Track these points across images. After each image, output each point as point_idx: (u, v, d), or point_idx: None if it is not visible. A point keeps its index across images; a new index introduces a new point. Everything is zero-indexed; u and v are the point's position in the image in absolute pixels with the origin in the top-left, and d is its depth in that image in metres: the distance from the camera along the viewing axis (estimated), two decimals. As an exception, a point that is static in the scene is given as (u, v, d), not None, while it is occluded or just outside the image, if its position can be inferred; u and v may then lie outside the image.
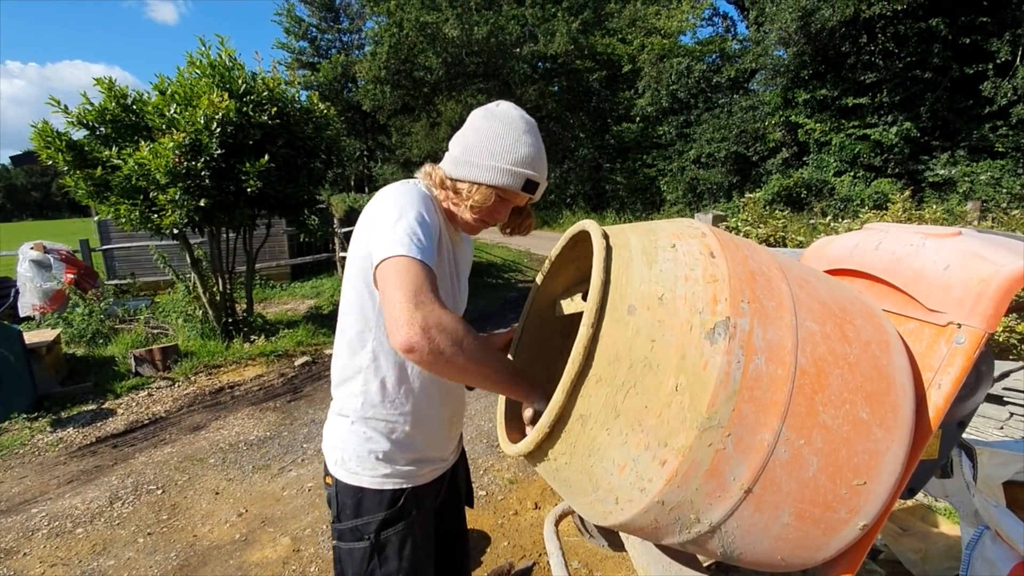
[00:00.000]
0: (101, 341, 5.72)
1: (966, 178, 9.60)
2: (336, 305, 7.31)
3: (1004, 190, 9.11)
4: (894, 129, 10.51)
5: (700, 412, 0.72)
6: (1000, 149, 9.83)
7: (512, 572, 2.20)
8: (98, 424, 4.05)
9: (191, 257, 5.47)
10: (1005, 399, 2.33)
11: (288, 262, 10.07)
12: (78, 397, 4.51)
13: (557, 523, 1.32)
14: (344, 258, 9.99)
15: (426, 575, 1.16)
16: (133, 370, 4.94)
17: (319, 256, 10.30)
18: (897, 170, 10.74)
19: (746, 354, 0.73)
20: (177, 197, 4.53)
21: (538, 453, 0.85)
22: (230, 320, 5.83)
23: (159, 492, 3.08)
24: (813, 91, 11.75)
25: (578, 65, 17.89)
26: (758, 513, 0.77)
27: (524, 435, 0.89)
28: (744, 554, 0.84)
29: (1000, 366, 2.76)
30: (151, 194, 4.71)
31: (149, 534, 2.69)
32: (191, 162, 4.54)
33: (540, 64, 19.54)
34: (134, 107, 4.91)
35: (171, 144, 4.42)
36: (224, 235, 5.74)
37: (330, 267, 10.53)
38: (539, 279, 1.18)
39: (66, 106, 4.68)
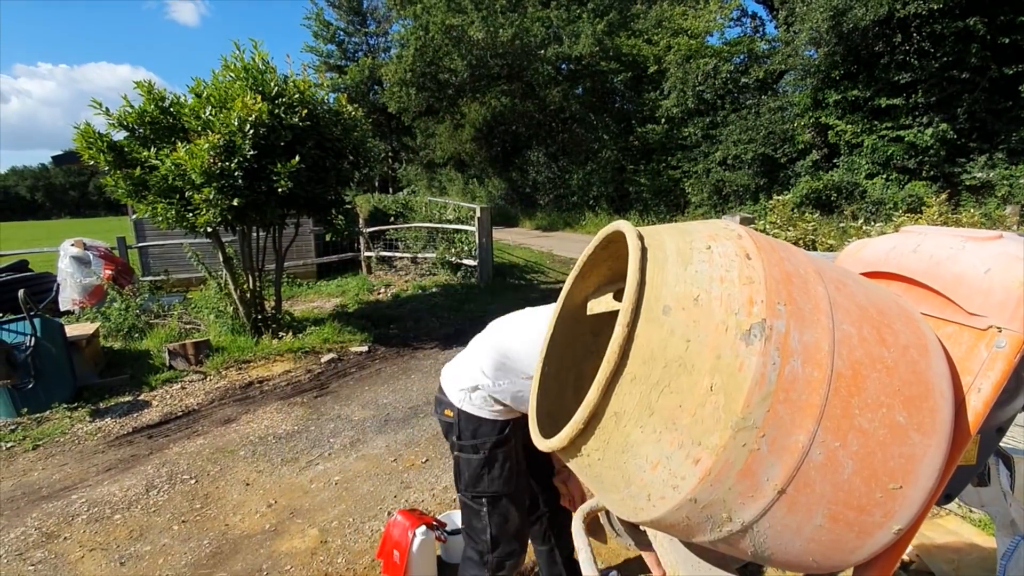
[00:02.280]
0: (137, 335, 5.93)
1: (1005, 181, 9.27)
2: (361, 303, 7.42)
3: (1047, 194, 8.78)
4: (929, 131, 10.21)
5: (735, 412, 0.72)
6: (1042, 151, 9.48)
7: (534, 571, 2.21)
8: (134, 415, 4.20)
9: (223, 255, 5.63)
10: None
11: (315, 261, 10.27)
12: (115, 389, 4.68)
13: (585, 521, 1.33)
14: (369, 256, 10.14)
15: (518, 482, 1.60)
16: (167, 363, 5.11)
17: (344, 255, 10.48)
18: (932, 172, 10.43)
19: (782, 356, 0.73)
20: (211, 196, 4.67)
21: (571, 448, 0.87)
22: (259, 317, 5.98)
23: (192, 482, 3.18)
24: (844, 92, 11.49)
25: (603, 66, 17.80)
26: (791, 514, 0.77)
27: (557, 430, 0.91)
28: (775, 554, 0.84)
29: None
30: (186, 193, 4.86)
31: (183, 522, 2.78)
32: (225, 163, 4.68)
33: (564, 65, 19.50)
34: (171, 109, 5.08)
35: (206, 145, 4.56)
36: (254, 234, 5.89)
37: (355, 266, 10.70)
38: (571, 278, 1.20)
39: (107, 108, 4.87)
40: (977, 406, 0.83)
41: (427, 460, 3.32)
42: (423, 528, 2.14)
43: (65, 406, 4.25)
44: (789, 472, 0.74)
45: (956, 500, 2.16)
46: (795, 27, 12.04)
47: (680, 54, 15.16)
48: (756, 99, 14.23)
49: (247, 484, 3.13)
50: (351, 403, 4.32)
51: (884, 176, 10.80)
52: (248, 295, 5.91)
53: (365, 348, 5.76)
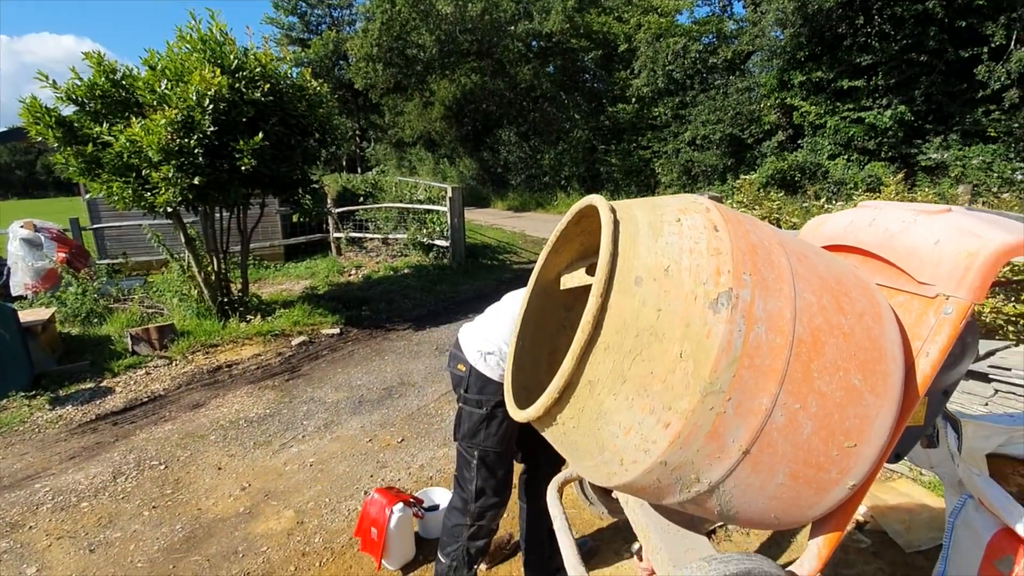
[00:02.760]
0: (95, 320, 5.71)
1: (958, 162, 9.66)
2: (331, 285, 7.31)
3: (995, 174, 9.18)
4: (888, 112, 10.52)
5: (703, 378, 0.76)
6: (992, 134, 9.88)
7: (509, 542, 2.27)
8: (97, 402, 4.07)
9: (185, 236, 5.44)
10: (990, 376, 2.41)
11: (282, 242, 10.02)
12: (75, 375, 4.52)
13: (560, 490, 1.37)
14: (338, 238, 9.96)
15: (510, 443, 1.72)
16: (130, 349, 4.95)
17: (313, 236, 10.25)
18: (890, 154, 10.78)
19: (747, 323, 0.77)
20: (171, 175, 4.49)
21: (547, 418, 0.89)
22: (225, 300, 5.83)
23: (162, 467, 3.12)
24: (809, 73, 11.70)
25: (573, 44, 17.64)
26: (755, 473, 0.82)
27: (532, 403, 0.93)
28: (740, 513, 0.89)
29: (986, 345, 2.84)
30: (143, 172, 4.66)
31: (154, 507, 2.74)
32: (183, 139, 4.49)
33: (535, 43, 19.25)
34: (123, 82, 4.83)
35: (163, 121, 4.37)
36: (217, 214, 5.71)
37: (324, 247, 10.49)
38: (544, 254, 1.21)
39: (54, 81, 4.60)
40: (925, 369, 0.88)
41: (403, 440, 3.33)
42: (400, 505, 2.16)
43: (23, 394, 4.10)
44: (753, 433, 0.78)
45: (908, 463, 2.28)
46: (762, 7, 12.15)
47: (650, 32, 15.14)
48: (724, 79, 14.37)
49: (219, 468, 3.09)
50: (324, 385, 4.28)
51: (845, 157, 11.11)
52: (213, 278, 5.74)
53: (337, 330, 5.70)
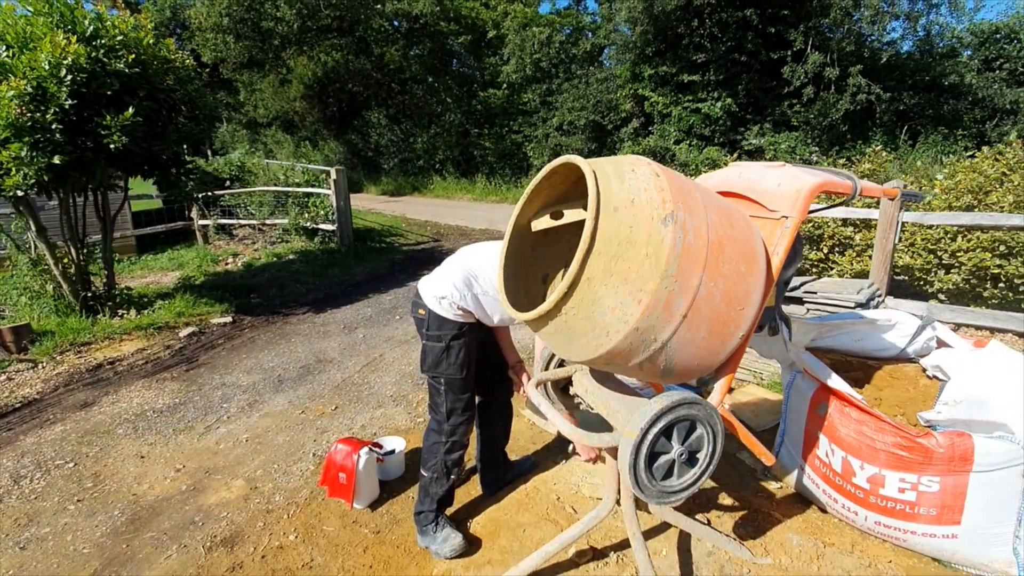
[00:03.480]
0: (-89, 329, 4.81)
1: (771, 146, 11.69)
2: (208, 275, 6.86)
3: (798, 156, 11.32)
4: (719, 104, 12.32)
5: (661, 268, 1.18)
6: (795, 123, 12.09)
7: (466, 467, 2.61)
8: (-49, 414, 3.57)
9: (37, 224, 4.80)
10: (804, 300, 3.27)
11: (133, 233, 9.01)
12: (-93, 390, 3.86)
13: (536, 387, 1.76)
14: (205, 225, 9.21)
15: (468, 370, 2.01)
16: (-23, 355, 4.31)
17: (173, 224, 9.34)
18: (721, 140, 12.66)
19: (683, 233, 1.21)
20: (23, 153, 3.98)
21: (553, 311, 1.26)
22: (89, 294, 5.25)
23: (71, 465, 2.93)
24: (656, 67, 13.19)
25: (442, 27, 17.73)
26: (689, 331, 1.27)
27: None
28: (678, 364, 1.35)
29: (799, 281, 3.77)
30: (-17, 150, 4.05)
31: (79, 500, 2.61)
32: (36, 113, 4.01)
33: (398, 23, 18.94)
34: (-53, 46, 4.13)
35: (11, 92, 3.86)
36: (72, 200, 5.10)
37: (186, 237, 9.62)
38: (518, 206, 1.57)
39: None
40: (775, 263, 1.41)
41: (336, 407, 3.47)
42: (366, 449, 2.39)
43: None
44: (689, 303, 1.23)
45: (752, 371, 2.93)
46: (615, 5, 13.36)
47: (517, 21, 15.79)
48: (585, 70, 15.54)
49: (142, 457, 2.99)
50: (233, 371, 4.18)
51: (688, 142, 12.80)
52: (73, 270, 5.14)
53: (229, 319, 5.45)
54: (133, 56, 4.51)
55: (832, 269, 4.45)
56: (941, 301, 3.83)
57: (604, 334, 1.25)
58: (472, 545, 2.08)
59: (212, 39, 16.12)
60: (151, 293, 6.06)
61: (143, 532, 2.37)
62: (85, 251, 5.37)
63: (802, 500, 2.25)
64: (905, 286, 4.18)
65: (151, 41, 4.91)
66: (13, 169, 4.04)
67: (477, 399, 2.31)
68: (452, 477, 2.07)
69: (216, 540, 2.27)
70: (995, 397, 1.82)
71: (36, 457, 3.02)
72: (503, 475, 2.45)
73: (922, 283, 4.08)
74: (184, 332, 5.08)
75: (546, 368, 1.87)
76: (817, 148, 11.23)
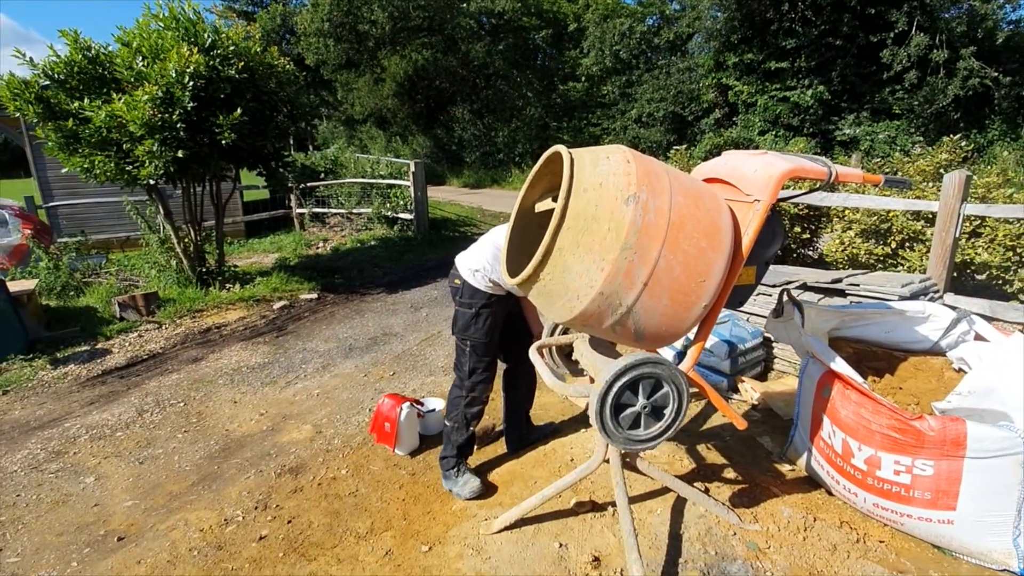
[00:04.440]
0: (72, 293, 5.90)
1: (867, 136, 10.88)
2: (301, 257, 7.65)
3: (898, 148, 10.43)
4: (810, 92, 11.63)
5: (620, 241, 1.38)
6: (897, 111, 11.14)
7: (494, 429, 2.91)
8: (98, 361, 4.40)
9: (165, 209, 5.69)
10: (846, 292, 3.22)
11: (243, 219, 10.17)
12: (67, 341, 4.79)
13: (537, 351, 2.00)
14: (301, 214, 10.17)
15: (492, 337, 2.29)
16: (118, 316, 5.23)
17: (276, 212, 10.43)
18: (811, 130, 11.94)
19: (644, 212, 1.40)
20: (154, 148, 4.77)
21: (533, 276, 1.50)
22: (204, 270, 6.12)
23: (181, 405, 3.57)
24: (741, 55, 12.67)
25: (524, 22, 18.04)
26: (651, 298, 1.46)
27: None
28: (647, 328, 1.53)
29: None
30: (124, 146, 4.90)
31: (185, 432, 3.21)
32: (165, 114, 4.77)
33: (485, 20, 19.48)
34: (100, 59, 5.02)
35: (145, 97, 4.63)
36: (192, 188, 5.97)
37: (286, 224, 10.69)
38: (522, 190, 1.81)
39: (31, 58, 4.75)
40: (745, 243, 1.55)
41: (394, 373, 3.90)
42: (408, 404, 2.75)
43: (21, 358, 4.37)
44: (649, 272, 1.42)
45: (774, 341, 2.95)
46: (701, -9, 12.99)
47: (598, 13, 15.74)
48: (667, 60, 15.21)
49: (235, 402, 3.57)
50: (313, 339, 4.76)
51: (773, 133, 12.21)
52: (191, 249, 6.02)
53: (315, 295, 6.12)
54: (243, 63, 5.21)
55: (901, 265, 4.24)
56: (1022, 301, 3.57)
57: (575, 297, 1.48)
58: (488, 489, 2.37)
59: (315, 43, 17.55)
60: (253, 271, 6.91)
61: (231, 458, 2.89)
62: (202, 233, 6.26)
63: (810, 482, 2.31)
64: (981, 285, 3.90)
65: (258, 49, 5.63)
66: (147, 161, 4.85)
67: (503, 365, 2.59)
68: (471, 428, 2.36)
69: (285, 469, 2.73)
70: (1002, 387, 1.80)
71: (156, 397, 3.70)
72: (525, 436, 2.71)
73: (1001, 282, 3.80)
74: (277, 305, 5.80)
75: (552, 334, 2.11)
76: (922, 138, 10.29)
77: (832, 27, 11.05)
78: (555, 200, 1.80)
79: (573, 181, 1.42)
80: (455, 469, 2.38)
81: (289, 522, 2.32)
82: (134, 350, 4.63)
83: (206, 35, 5.14)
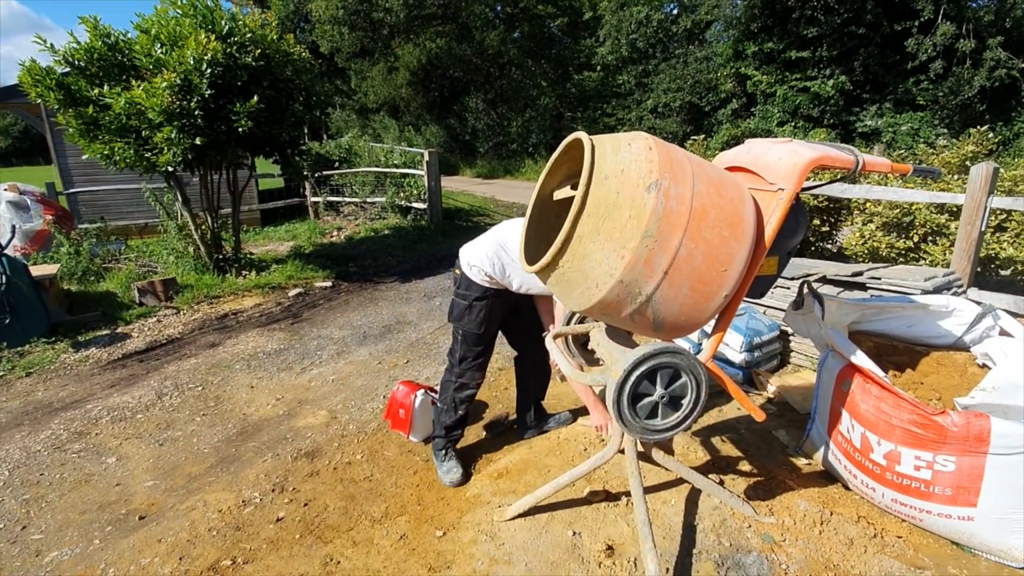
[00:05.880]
0: (92, 278, 6.01)
1: (890, 128, 10.65)
2: (316, 245, 7.70)
3: (921, 140, 10.19)
4: (831, 82, 11.39)
5: (641, 228, 1.37)
6: (921, 102, 10.88)
7: (507, 418, 2.92)
8: (118, 344, 4.49)
9: (183, 196, 5.76)
10: (867, 285, 3.16)
11: (258, 207, 10.25)
12: (89, 325, 4.88)
13: (554, 340, 1.99)
14: (316, 202, 10.22)
15: (487, 328, 2.33)
16: (137, 300, 5.32)
17: (291, 201, 10.50)
18: (832, 121, 11.71)
19: (665, 199, 1.38)
20: (173, 135, 4.81)
21: (552, 264, 1.49)
22: (220, 256, 6.20)
23: (199, 389, 3.63)
24: (761, 44, 12.42)
25: (539, 11, 17.86)
26: (671, 287, 1.44)
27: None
28: (666, 318, 1.52)
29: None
30: (143, 133, 4.95)
31: (204, 415, 3.26)
32: (183, 101, 4.81)
33: (500, 8, 19.31)
34: (118, 46, 5.06)
35: (164, 84, 4.67)
36: (209, 176, 6.02)
37: (301, 212, 10.76)
38: (542, 176, 1.79)
39: (52, 44, 4.80)
40: (768, 231, 1.52)
41: (408, 361, 3.92)
42: (422, 391, 2.76)
43: (44, 340, 4.46)
44: (669, 261, 1.40)
45: (793, 336, 2.90)
46: (721, -22, 12.73)
47: (615, 1, 15.52)
48: (684, 49, 14.98)
49: (251, 387, 3.62)
50: (328, 326, 4.80)
51: (793, 124, 11.99)
52: (208, 236, 6.09)
53: (329, 283, 6.17)
54: (259, 51, 5.22)
55: (923, 259, 4.16)
56: (1049, 298, 3.48)
57: (595, 285, 1.46)
58: (469, 479, 2.45)
59: (329, 31, 17.54)
60: (269, 259, 6.98)
61: (248, 441, 2.93)
62: (219, 220, 6.32)
63: (827, 476, 2.29)
64: (1005, 281, 3.82)
65: (275, 37, 5.63)
66: (165, 148, 4.89)
67: (514, 353, 2.61)
68: (459, 411, 2.43)
69: (301, 452, 2.77)
70: (1029, 383, 1.76)
71: (175, 381, 3.76)
72: (538, 425, 2.72)
73: (1027, 278, 3.71)
74: (293, 292, 5.85)
75: (568, 323, 2.10)
76: (946, 130, 10.05)
77: (855, 15, 10.79)
78: (574, 188, 1.78)
79: (594, 168, 1.41)
80: (443, 451, 2.48)
81: (305, 505, 2.36)
82: (153, 335, 4.70)
83: (223, 22, 5.15)
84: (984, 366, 2.20)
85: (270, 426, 3.09)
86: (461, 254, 2.35)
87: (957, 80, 10.02)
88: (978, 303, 2.29)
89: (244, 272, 6.20)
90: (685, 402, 1.56)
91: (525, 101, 19.76)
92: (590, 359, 2.17)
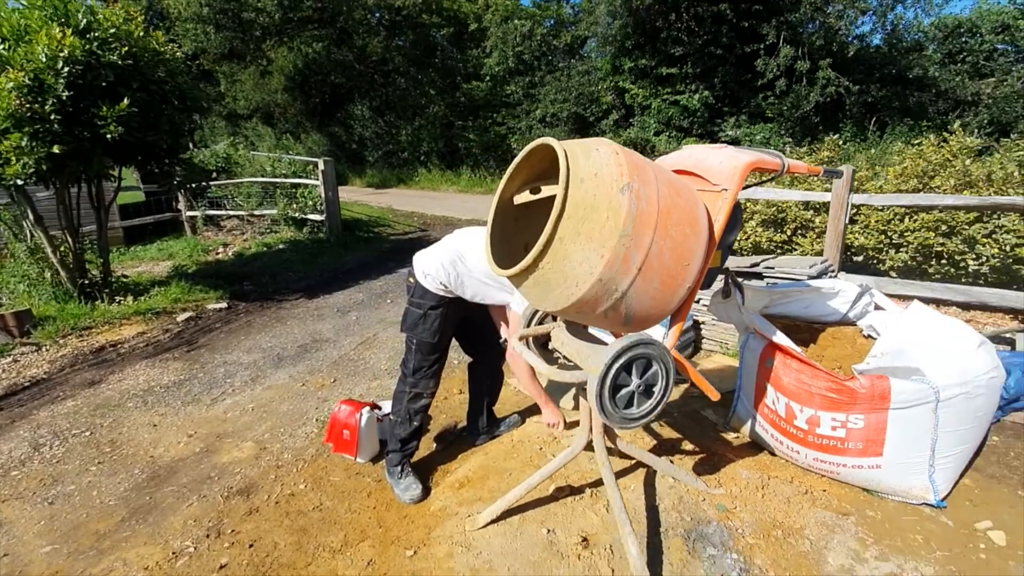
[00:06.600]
0: (-91, 318, 4.92)
1: (747, 138, 12.08)
2: (199, 264, 6.97)
3: (772, 147, 11.71)
4: (696, 96, 12.66)
5: (618, 229, 1.45)
6: (769, 115, 12.48)
7: (456, 427, 2.88)
8: (-38, 394, 3.73)
9: (35, 214, 4.94)
10: (763, 274, 3.59)
11: (120, 224, 9.05)
12: (-86, 373, 4.01)
13: (521, 340, 2.02)
14: (193, 217, 9.29)
15: (440, 338, 2.31)
16: (-19, 339, 4.45)
17: (162, 216, 9.41)
18: (700, 131, 13.01)
19: (637, 200, 1.48)
20: (24, 143, 4.12)
21: (532, 267, 1.52)
22: (86, 281, 5.39)
23: (87, 434, 3.14)
24: (636, 60, 13.47)
25: (424, 19, 17.79)
26: (644, 282, 1.55)
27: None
28: (636, 312, 1.62)
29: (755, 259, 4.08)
30: (-18, 141, 4.18)
31: (99, 463, 2.83)
32: (35, 104, 4.15)
33: (379, 14, 18.94)
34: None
35: (10, 84, 3.99)
36: (67, 189, 5.23)
37: (176, 227, 9.68)
38: (502, 182, 1.82)
39: None
40: (717, 228, 1.69)
41: (335, 380, 3.71)
42: (367, 409, 2.64)
43: None
44: (643, 258, 1.50)
45: (719, 322, 3.18)
46: (595, -2, 13.61)
47: (499, 14, 15.94)
48: (567, 62, 15.78)
49: (154, 425, 3.20)
50: (233, 351, 4.39)
51: (667, 134, 13.13)
52: (70, 258, 5.28)
53: (224, 304, 5.63)
54: (126, 48, 4.65)
55: (796, 250, 4.79)
56: (892, 277, 4.19)
57: (575, 284, 1.52)
58: (429, 494, 2.38)
59: (192, 29, 16.01)
60: (145, 281, 6.20)
61: (163, 487, 2.60)
62: (82, 240, 5.50)
63: (755, 447, 2.56)
64: (860, 265, 4.53)
65: (141, 33, 5.04)
66: (13, 159, 4.18)
67: (469, 359, 2.60)
68: (414, 422, 2.38)
69: (232, 490, 2.51)
70: (912, 347, 2.13)
71: (52, 428, 3.22)
72: (486, 427, 2.73)
73: (876, 262, 4.43)
74: (182, 317, 5.26)
75: (528, 325, 2.14)
76: (791, 139, 11.62)
77: (713, 38, 12.12)
78: (533, 192, 1.84)
79: (571, 172, 1.47)
80: (399, 468, 2.39)
81: (251, 546, 2.14)
82: (11, 377, 3.98)
83: (80, 15, 4.52)
84: (869, 336, 2.60)
85: (187, 466, 2.76)
86: (415, 263, 2.30)
87: (797, 96, 11.66)
88: (859, 285, 2.71)
89: (118, 298, 5.45)
90: (656, 389, 1.68)
91: (414, 109, 19.53)
92: (549, 359, 2.22)
